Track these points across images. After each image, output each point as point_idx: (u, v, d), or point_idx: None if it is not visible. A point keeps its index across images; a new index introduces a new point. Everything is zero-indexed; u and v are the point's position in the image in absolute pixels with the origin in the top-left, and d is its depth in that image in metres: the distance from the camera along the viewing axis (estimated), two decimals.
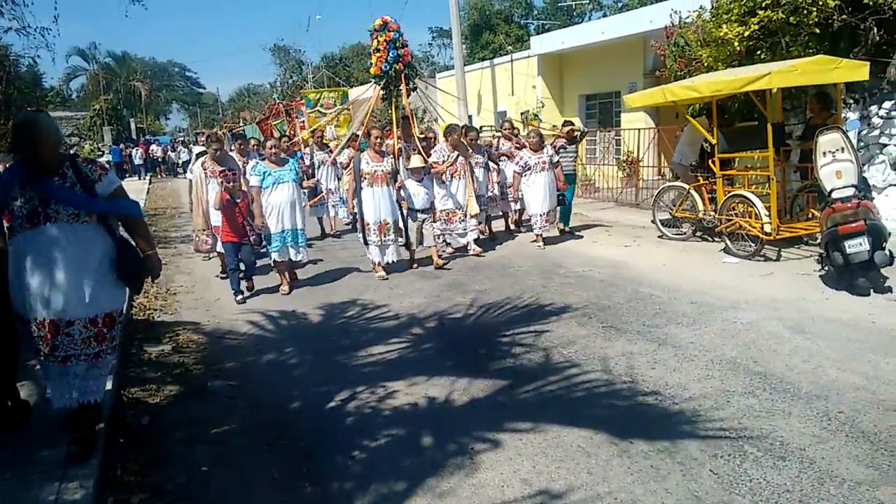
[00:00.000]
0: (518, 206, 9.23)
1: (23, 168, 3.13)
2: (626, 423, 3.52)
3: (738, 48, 8.26)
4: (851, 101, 8.15)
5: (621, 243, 8.61)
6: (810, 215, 7.26)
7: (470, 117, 16.45)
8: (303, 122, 14.62)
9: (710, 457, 3.12)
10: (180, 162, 27.92)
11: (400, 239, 7.44)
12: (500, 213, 9.89)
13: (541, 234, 8.55)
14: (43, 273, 3.05)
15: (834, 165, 5.96)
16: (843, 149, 5.98)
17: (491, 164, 9.11)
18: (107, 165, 3.70)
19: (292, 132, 14.50)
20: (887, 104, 7.80)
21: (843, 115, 7.57)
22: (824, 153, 6.03)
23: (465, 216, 8.07)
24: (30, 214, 3.06)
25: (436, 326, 5.55)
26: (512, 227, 9.97)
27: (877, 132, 7.84)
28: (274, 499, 3.05)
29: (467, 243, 8.22)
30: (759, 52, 8.22)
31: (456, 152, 7.90)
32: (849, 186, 5.80)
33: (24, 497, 2.89)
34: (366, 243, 7.34)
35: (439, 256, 7.73)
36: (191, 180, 7.83)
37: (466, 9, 33.76)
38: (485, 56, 28.27)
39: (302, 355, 5.00)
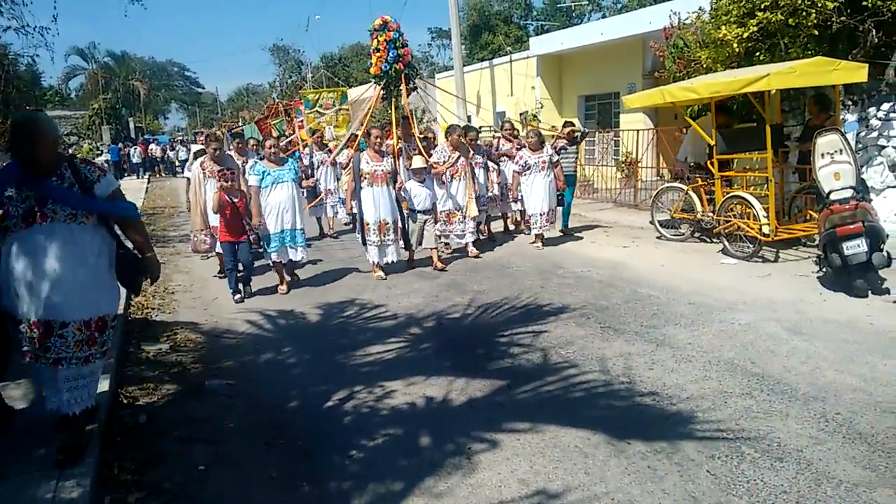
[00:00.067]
0: (518, 207, 9.19)
1: (20, 167, 3.10)
2: (624, 423, 3.52)
3: (736, 49, 8.26)
4: (850, 102, 8.16)
5: (620, 244, 8.61)
6: (808, 217, 7.27)
7: (469, 117, 16.45)
8: (301, 121, 14.61)
9: (707, 458, 3.12)
10: (178, 161, 27.91)
11: (399, 240, 7.42)
12: (500, 214, 9.89)
13: (540, 235, 8.54)
14: (38, 273, 3.03)
15: (832, 167, 5.96)
16: (841, 150, 5.99)
17: (491, 164, 9.11)
18: (105, 166, 3.69)
19: (291, 132, 14.49)
20: (886, 106, 7.81)
21: (841, 116, 7.58)
22: (823, 155, 6.04)
23: (465, 218, 8.06)
24: (26, 214, 3.04)
25: (434, 326, 5.55)
26: (511, 227, 9.96)
27: (875, 134, 7.85)
28: (271, 498, 3.05)
29: (466, 244, 8.21)
30: (757, 54, 8.23)
31: (457, 153, 7.89)
32: (847, 188, 5.81)
33: (21, 495, 2.88)
34: (364, 243, 7.32)
35: (439, 258, 7.70)
36: (188, 179, 7.84)
37: (466, 9, 33.76)
38: (484, 57, 28.26)
39: (300, 355, 5.00)
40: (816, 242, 6.38)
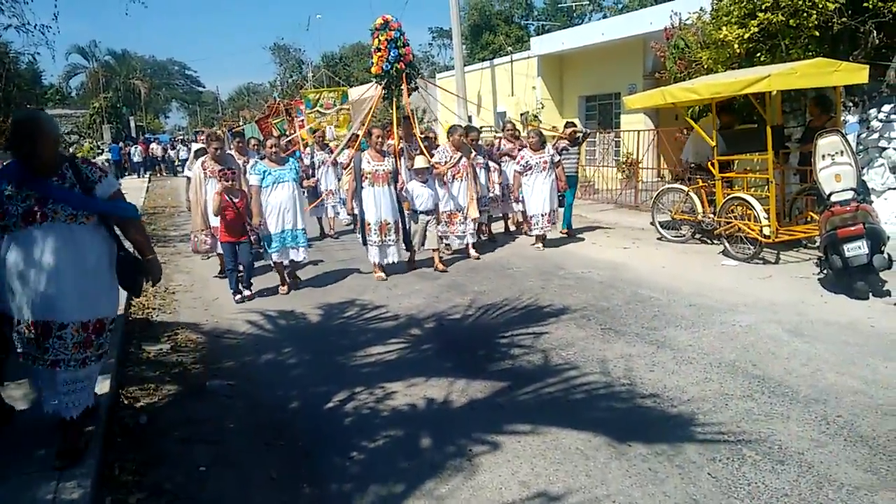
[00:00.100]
0: (520, 207, 9.14)
1: (20, 166, 3.08)
2: (625, 425, 3.52)
3: (737, 50, 8.26)
4: (851, 104, 8.15)
5: (620, 245, 8.61)
6: (809, 218, 7.26)
7: (470, 118, 16.45)
8: (302, 121, 14.60)
9: (708, 460, 3.12)
10: (178, 160, 27.92)
11: (401, 241, 7.40)
12: (501, 215, 9.88)
13: (540, 236, 8.53)
14: (37, 273, 3.00)
15: (833, 169, 5.96)
16: (842, 152, 5.98)
17: (492, 164, 9.09)
18: (106, 167, 3.69)
19: (292, 131, 14.48)
20: (886, 107, 7.80)
21: (842, 118, 7.58)
22: (823, 156, 6.03)
23: (466, 219, 8.04)
24: (25, 213, 3.02)
25: (434, 327, 5.55)
26: (512, 228, 9.95)
27: (876, 135, 7.85)
28: (272, 499, 3.05)
29: (467, 245, 8.20)
30: (758, 55, 8.22)
31: (459, 153, 7.87)
32: (848, 190, 5.81)
33: (21, 496, 2.88)
34: (365, 243, 7.31)
35: (440, 259, 7.67)
36: (188, 178, 7.82)
37: (466, 9, 33.76)
38: (485, 56, 28.27)
39: (300, 355, 5.00)
40: (817, 244, 6.38)
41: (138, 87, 47.36)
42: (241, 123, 28.81)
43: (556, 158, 8.55)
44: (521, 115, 15.64)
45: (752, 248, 7.11)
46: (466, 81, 16.97)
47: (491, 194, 9.03)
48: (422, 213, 7.45)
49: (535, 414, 3.74)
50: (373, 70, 8.19)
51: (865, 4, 7.50)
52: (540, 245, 8.54)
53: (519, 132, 10.09)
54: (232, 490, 3.14)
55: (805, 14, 7.58)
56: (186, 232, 9.69)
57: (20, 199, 3.03)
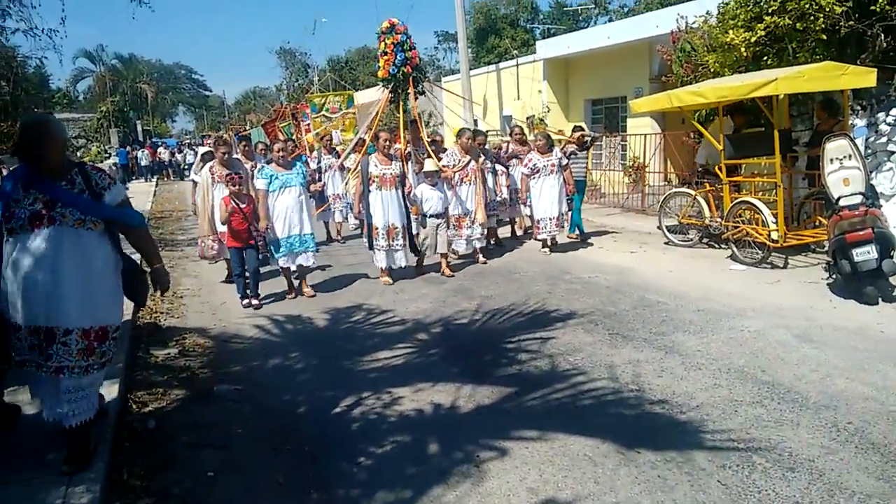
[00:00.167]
0: (528, 212, 9.08)
1: (28, 170, 3.07)
2: (634, 431, 3.51)
3: (744, 54, 8.23)
4: (859, 107, 8.11)
5: (627, 249, 8.58)
6: (817, 223, 7.23)
7: (476, 121, 16.46)
8: (308, 125, 14.62)
9: (718, 467, 3.10)
10: (185, 164, 28.03)
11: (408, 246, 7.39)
12: (508, 219, 9.86)
13: (546, 239, 8.51)
14: (43, 277, 2.98)
15: (841, 173, 5.93)
16: (850, 156, 5.96)
17: (499, 167, 9.07)
18: (115, 174, 3.69)
19: (299, 136, 14.51)
20: (895, 111, 7.76)
21: (850, 121, 7.55)
22: (832, 160, 6.01)
23: (473, 223, 8.01)
24: (32, 216, 2.99)
25: (441, 332, 5.54)
26: (519, 232, 9.94)
27: (884, 139, 7.80)
28: None
29: (474, 250, 8.18)
30: (765, 58, 8.19)
31: (468, 156, 7.86)
32: (856, 194, 5.78)
33: (31, 500, 2.88)
34: (371, 247, 7.29)
35: (448, 264, 7.65)
36: (194, 181, 7.83)
37: (472, 13, 33.79)
38: (490, 60, 28.28)
39: (307, 360, 5.00)
40: (826, 249, 6.35)
41: (145, 91, 47.63)
42: (247, 127, 28.91)
43: (564, 162, 8.53)
44: (527, 118, 15.64)
45: (760, 252, 7.08)
46: (472, 85, 16.99)
47: (499, 198, 9.01)
48: (431, 216, 7.40)
49: (542, 420, 3.73)
50: (379, 74, 8.21)
51: (873, 8, 7.46)
52: (547, 250, 8.52)
53: (526, 136, 10.09)
54: (239, 495, 3.14)
55: (812, 17, 7.55)
56: (194, 236, 9.73)
57: (28, 202, 3.02)
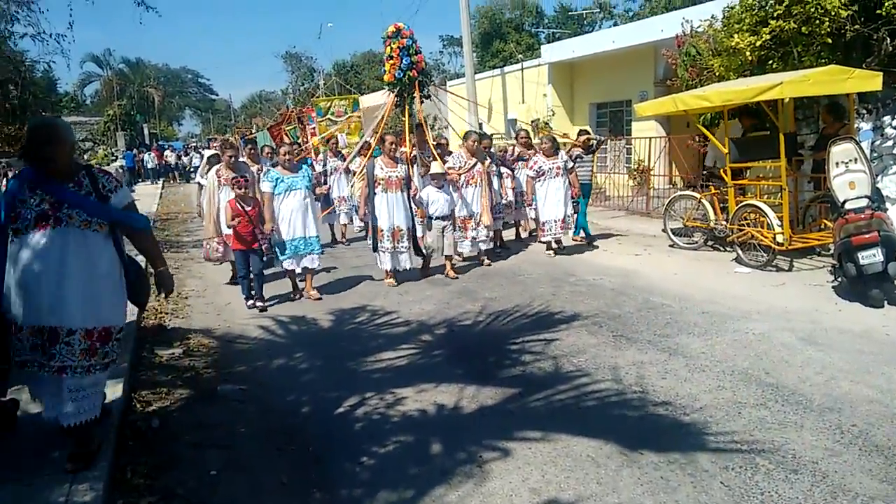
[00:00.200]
0: (533, 215, 9.05)
1: (35, 171, 3.09)
2: (637, 433, 3.50)
3: (749, 58, 8.23)
4: (864, 111, 8.10)
5: (632, 252, 8.58)
6: (823, 226, 7.21)
7: (480, 124, 16.48)
8: (313, 128, 14.68)
9: (721, 469, 3.09)
10: (191, 167, 28.17)
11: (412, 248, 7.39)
12: (513, 222, 9.86)
13: (549, 242, 8.50)
14: (48, 277, 2.99)
15: (847, 176, 5.92)
16: (856, 159, 5.95)
17: (505, 170, 9.08)
18: (121, 176, 3.71)
19: (305, 140, 14.56)
20: None
21: (856, 125, 7.54)
22: (837, 163, 6.00)
23: (478, 225, 8.01)
24: (39, 216, 3.00)
25: (445, 333, 5.55)
26: (524, 235, 9.93)
27: (890, 143, 7.78)
28: None
29: (479, 252, 8.18)
30: (770, 62, 8.19)
31: (474, 159, 7.86)
32: (862, 197, 5.77)
33: (34, 499, 2.90)
34: (375, 249, 7.30)
35: (452, 267, 7.65)
36: (200, 184, 7.87)
37: (477, 17, 33.88)
38: (495, 64, 28.32)
39: (311, 360, 5.01)
40: (831, 252, 6.34)
41: (152, 94, 47.89)
42: (253, 131, 29.02)
43: (570, 165, 8.52)
44: (532, 122, 15.64)
45: (765, 255, 7.07)
46: (477, 89, 17.01)
47: (504, 201, 9.01)
48: (437, 219, 7.40)
49: (545, 421, 3.73)
50: (385, 78, 8.23)
51: (879, 11, 7.46)
52: (551, 252, 8.52)
53: (531, 140, 10.09)
54: (243, 495, 3.14)
55: (817, 21, 7.55)
56: (199, 238, 9.76)
57: (34, 203, 3.03)
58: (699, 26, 10.49)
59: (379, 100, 10.71)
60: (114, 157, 29.05)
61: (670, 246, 8.71)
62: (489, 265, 8.07)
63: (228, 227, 6.46)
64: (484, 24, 34.72)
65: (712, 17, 9.94)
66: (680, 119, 11.77)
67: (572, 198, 8.47)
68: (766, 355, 4.55)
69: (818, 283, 6.38)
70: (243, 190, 6.33)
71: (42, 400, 3.22)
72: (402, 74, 7.89)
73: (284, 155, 6.76)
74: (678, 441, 3.39)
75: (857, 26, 7.64)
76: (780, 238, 6.77)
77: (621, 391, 4.08)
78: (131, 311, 4.20)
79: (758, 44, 8.02)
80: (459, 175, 7.77)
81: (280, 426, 3.88)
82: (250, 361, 5.05)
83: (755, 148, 7.60)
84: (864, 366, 4.27)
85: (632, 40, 13.64)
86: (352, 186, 10.19)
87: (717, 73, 9.09)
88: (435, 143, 8.46)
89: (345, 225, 10.66)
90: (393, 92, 8.18)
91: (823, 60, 7.74)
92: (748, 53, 8.16)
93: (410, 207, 7.34)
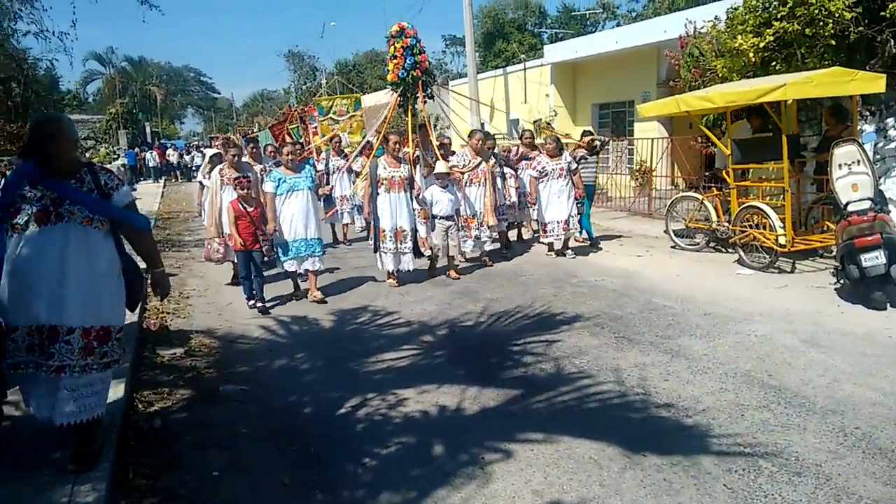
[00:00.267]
0: (536, 216, 9.01)
1: (36, 167, 3.06)
2: (639, 435, 3.50)
3: (753, 59, 8.22)
4: (867, 113, 8.09)
5: (634, 253, 8.57)
6: (825, 228, 7.21)
7: (483, 124, 16.47)
8: (315, 128, 14.66)
9: (724, 471, 3.08)
10: (192, 166, 28.18)
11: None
12: (515, 223, 9.84)
13: (553, 242, 8.49)
14: (49, 273, 2.96)
15: (850, 178, 5.91)
16: (859, 161, 5.94)
17: (508, 170, 9.07)
18: (123, 175, 3.69)
19: (307, 139, 14.55)
20: None
21: (859, 127, 7.52)
22: (840, 165, 5.99)
23: (481, 225, 7.99)
24: (40, 212, 2.98)
25: (447, 334, 5.55)
26: (527, 236, 9.91)
27: (893, 145, 7.77)
28: None
29: (481, 252, 8.17)
30: (774, 64, 8.18)
31: (478, 158, 7.84)
32: (865, 199, 5.76)
33: (37, 499, 2.89)
34: (376, 250, 7.27)
35: (454, 267, 7.64)
36: (201, 183, 7.85)
37: (480, 17, 33.88)
38: (498, 64, 28.33)
39: (313, 361, 5.01)
40: (834, 254, 6.33)
41: (154, 93, 47.94)
42: (255, 130, 29.04)
43: (574, 166, 8.50)
44: (534, 122, 15.63)
45: (767, 257, 7.06)
46: (479, 89, 17.02)
47: (507, 202, 9.00)
48: (441, 218, 7.38)
49: (548, 422, 3.73)
50: (389, 78, 8.20)
51: (883, 13, 7.44)
52: (553, 253, 8.51)
53: (534, 140, 10.08)
54: (244, 495, 3.14)
55: (821, 23, 7.53)
56: (200, 237, 9.76)
57: (35, 199, 3.01)
58: (702, 27, 10.46)
59: (381, 99, 10.72)
60: (116, 156, 29.04)
61: (672, 247, 8.70)
62: (491, 265, 8.06)
63: (228, 232, 6.42)
64: (487, 24, 34.72)
65: (716, 18, 9.92)
66: (682, 120, 11.77)
67: (576, 199, 8.45)
68: (769, 357, 4.54)
69: (820, 286, 6.37)
70: (246, 191, 6.31)
71: (33, 401, 3.16)
72: (405, 74, 7.86)
73: (288, 155, 6.74)
74: (681, 443, 3.38)
75: (860, 28, 7.62)
76: (782, 240, 6.77)
77: (623, 393, 4.07)
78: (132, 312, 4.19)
79: (761, 45, 8.00)
80: (463, 173, 7.75)
81: (282, 427, 3.87)
82: (252, 362, 5.04)
83: (758, 149, 7.60)
84: (866, 368, 4.26)
85: (635, 41, 13.64)
86: (353, 185, 10.17)
87: (720, 75, 9.08)
88: (438, 143, 8.44)
89: (346, 225, 10.64)
90: (396, 91, 8.15)
91: (827, 62, 7.73)
92: (751, 55, 8.15)
93: (413, 208, 7.32)
